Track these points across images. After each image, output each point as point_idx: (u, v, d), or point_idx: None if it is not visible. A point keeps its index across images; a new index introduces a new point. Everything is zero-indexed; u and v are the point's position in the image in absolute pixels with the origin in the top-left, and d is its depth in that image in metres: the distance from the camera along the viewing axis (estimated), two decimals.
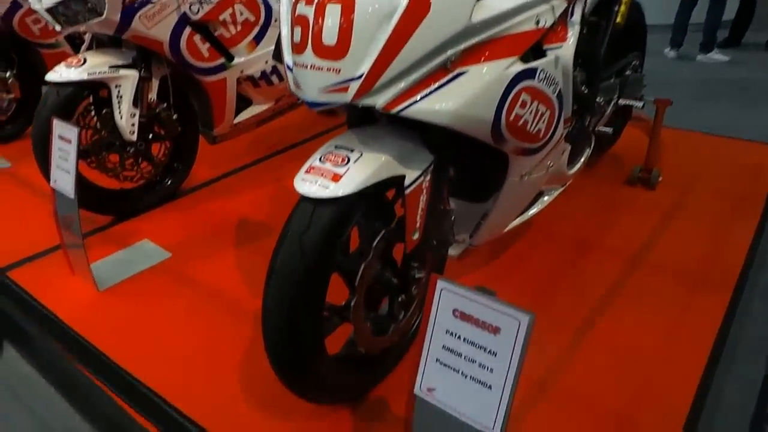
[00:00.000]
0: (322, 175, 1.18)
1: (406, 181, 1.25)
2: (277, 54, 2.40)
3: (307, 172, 1.20)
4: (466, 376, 1.00)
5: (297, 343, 1.18)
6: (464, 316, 0.99)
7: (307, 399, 1.33)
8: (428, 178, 1.30)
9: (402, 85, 1.13)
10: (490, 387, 0.97)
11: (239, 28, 2.27)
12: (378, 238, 1.27)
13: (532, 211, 1.78)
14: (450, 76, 1.14)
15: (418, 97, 1.13)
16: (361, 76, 1.11)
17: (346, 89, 1.12)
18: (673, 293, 1.84)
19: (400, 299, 1.39)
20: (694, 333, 1.68)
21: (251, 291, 1.88)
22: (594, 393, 1.47)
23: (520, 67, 1.24)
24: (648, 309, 1.77)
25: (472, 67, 1.17)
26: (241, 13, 2.25)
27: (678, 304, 1.79)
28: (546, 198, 1.83)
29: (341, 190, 1.15)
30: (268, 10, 2.33)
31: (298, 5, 1.15)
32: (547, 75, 1.33)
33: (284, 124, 3.13)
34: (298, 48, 1.16)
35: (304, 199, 1.18)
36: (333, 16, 1.08)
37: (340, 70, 1.11)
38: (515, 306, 0.94)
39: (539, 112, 1.35)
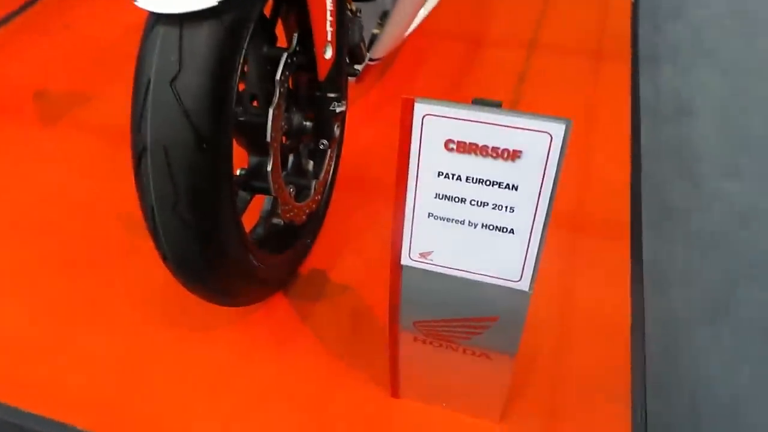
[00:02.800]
0: None
1: None
2: None
3: None
4: (475, 225, 0.73)
5: (212, 241, 0.81)
6: (464, 147, 0.69)
7: (238, 303, 0.99)
8: None
9: None
10: (512, 231, 0.72)
11: None
12: (280, 69, 0.86)
13: (431, 4, 1.44)
14: None
15: None
16: None
17: None
18: (577, 69, 1.71)
19: (321, 145, 1.03)
20: (610, 101, 1.60)
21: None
22: None
23: None
24: (560, 88, 1.64)
25: None
26: None
27: (585, 79, 1.68)
28: None
29: None
30: None
31: None
32: None
33: None
34: None
35: (161, 19, 0.71)
36: None
37: None
38: (541, 115, 0.65)
39: None
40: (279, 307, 1.12)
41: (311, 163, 1.06)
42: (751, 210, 1.58)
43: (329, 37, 0.92)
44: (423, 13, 1.45)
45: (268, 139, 0.86)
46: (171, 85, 0.71)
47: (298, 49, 0.91)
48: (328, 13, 0.90)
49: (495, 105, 0.68)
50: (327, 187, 1.17)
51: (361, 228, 1.26)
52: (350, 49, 1.09)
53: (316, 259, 1.20)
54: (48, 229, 1.27)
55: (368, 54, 1.28)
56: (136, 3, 0.71)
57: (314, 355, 1.04)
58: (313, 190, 1.07)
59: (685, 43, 2.15)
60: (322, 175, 1.12)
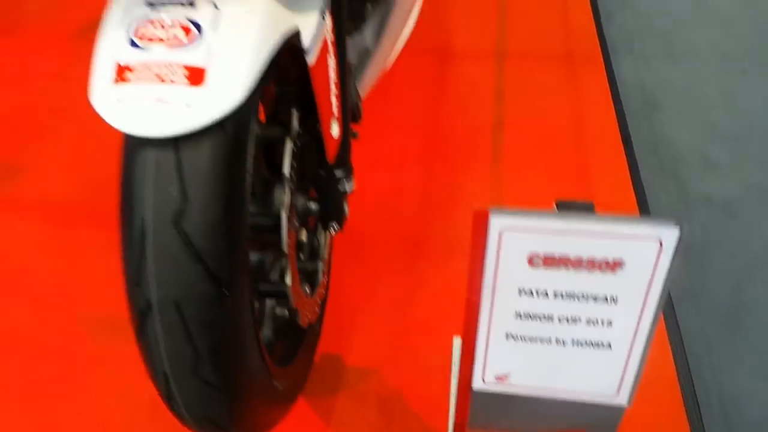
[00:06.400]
0: (158, 77, 0.53)
1: (305, 41, 0.67)
2: None
3: (118, 80, 0.54)
4: (563, 343, 0.62)
5: (242, 394, 0.65)
6: (551, 261, 0.57)
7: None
8: (328, 23, 0.72)
9: None
10: (608, 345, 0.61)
11: None
12: (287, 161, 0.71)
13: (408, 30, 1.30)
14: None
15: None
16: None
17: None
18: (551, 77, 1.64)
19: (332, 229, 0.88)
20: (594, 106, 1.57)
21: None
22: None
23: None
24: (541, 102, 1.56)
25: None
26: None
27: (563, 88, 1.61)
28: (416, 10, 1.34)
29: (220, 101, 0.54)
30: None
31: None
32: None
33: None
34: None
35: (149, 145, 0.54)
36: None
37: None
38: (647, 219, 0.54)
39: None
40: (298, 406, 0.97)
41: (319, 245, 0.91)
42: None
43: (335, 112, 0.77)
44: (402, 41, 1.31)
45: (284, 248, 0.71)
46: (176, 225, 0.54)
47: (300, 131, 0.75)
48: (333, 85, 0.75)
49: (586, 208, 0.56)
50: (329, 264, 1.02)
51: (361, 298, 1.12)
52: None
53: (324, 342, 1.06)
54: None
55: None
56: (112, 125, 0.53)
57: None
58: (321, 274, 0.92)
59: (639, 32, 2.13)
60: (327, 253, 0.97)
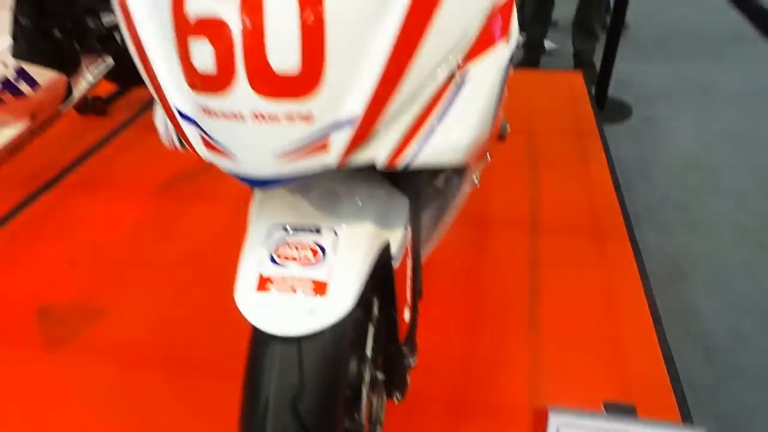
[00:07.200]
0: (292, 288, 0.70)
1: (393, 249, 0.84)
2: (24, 51, 1.61)
3: (260, 288, 0.71)
4: None
5: None
6: None
7: None
8: (409, 233, 0.90)
9: (407, 119, 0.69)
10: None
11: None
12: (370, 345, 0.85)
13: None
14: (454, 87, 0.73)
15: (427, 134, 0.71)
16: (349, 121, 0.63)
17: (325, 146, 0.64)
18: (581, 250, 1.80)
19: (395, 398, 1.00)
20: (622, 277, 1.70)
21: None
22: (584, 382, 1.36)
23: (507, 48, 0.87)
24: (573, 273, 1.71)
25: (471, 65, 0.76)
26: None
27: (592, 260, 1.76)
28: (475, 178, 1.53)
29: (336, 309, 0.70)
30: None
31: None
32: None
33: (41, 142, 2.24)
34: (212, 81, 0.61)
35: (277, 340, 0.70)
36: (282, 15, 0.58)
37: (311, 116, 0.61)
38: (680, 425, 0.66)
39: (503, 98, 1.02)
40: None
41: (379, 411, 1.02)
42: None
43: (408, 300, 0.93)
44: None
45: (362, 419, 0.83)
46: (292, 406, 0.68)
47: (378, 316, 0.90)
48: (408, 280, 0.91)
49: (628, 410, 0.68)
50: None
51: None
52: None
53: None
54: None
55: None
56: (254, 324, 0.69)
57: None
58: None
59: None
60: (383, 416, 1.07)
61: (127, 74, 2.18)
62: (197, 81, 0.61)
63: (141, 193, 2.01)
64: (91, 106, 2.48)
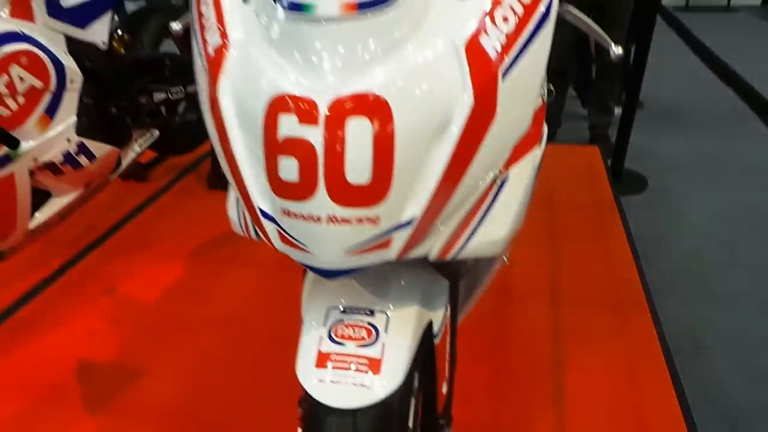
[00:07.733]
0: (348, 365, 0.78)
1: (435, 327, 0.92)
2: (86, 128, 1.75)
3: (319, 365, 0.78)
4: None
5: None
6: None
7: None
8: (449, 312, 0.98)
9: (457, 219, 0.79)
10: None
11: (22, 100, 1.57)
12: (411, 415, 0.91)
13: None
14: (495, 188, 0.83)
15: (472, 231, 0.80)
16: (409, 223, 0.73)
17: (387, 243, 0.74)
18: (603, 323, 1.84)
19: None
20: (644, 349, 1.74)
21: None
22: None
23: (540, 150, 0.98)
24: (595, 346, 1.74)
25: (511, 169, 0.87)
26: (22, 79, 1.55)
27: (614, 333, 1.80)
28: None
29: (388, 384, 0.77)
30: (59, 68, 1.66)
31: (283, 121, 0.70)
32: None
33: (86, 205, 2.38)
34: (295, 190, 0.71)
35: (334, 412, 0.76)
36: (360, 139, 0.69)
37: (378, 219, 0.71)
38: None
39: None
40: None
41: None
42: None
43: (447, 375, 0.99)
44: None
45: None
46: None
47: (418, 389, 0.96)
48: (447, 356, 0.98)
49: None
50: None
51: None
52: None
53: None
54: None
55: None
56: (315, 398, 0.76)
57: None
58: None
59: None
60: None
61: (168, 144, 2.35)
62: (281, 189, 0.71)
63: (179, 256, 2.11)
64: (133, 172, 2.63)
